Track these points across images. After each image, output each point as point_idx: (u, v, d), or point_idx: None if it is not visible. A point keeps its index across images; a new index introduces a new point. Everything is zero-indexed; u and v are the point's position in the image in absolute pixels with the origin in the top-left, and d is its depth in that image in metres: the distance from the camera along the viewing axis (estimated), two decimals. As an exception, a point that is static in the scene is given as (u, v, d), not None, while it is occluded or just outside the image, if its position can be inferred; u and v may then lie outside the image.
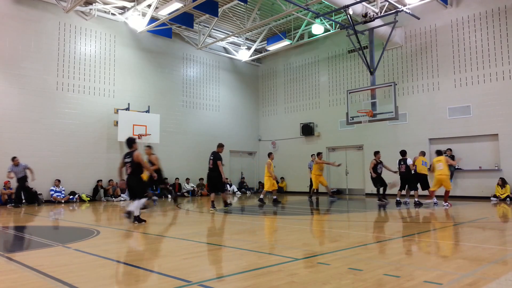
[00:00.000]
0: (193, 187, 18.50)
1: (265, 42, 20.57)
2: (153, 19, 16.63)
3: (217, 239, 5.93)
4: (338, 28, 17.54)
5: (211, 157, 11.04)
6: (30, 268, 4.19)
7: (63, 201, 14.56)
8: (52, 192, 14.56)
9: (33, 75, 14.71)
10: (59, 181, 14.74)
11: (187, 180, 18.41)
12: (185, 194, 18.09)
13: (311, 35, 19.07)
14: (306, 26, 18.71)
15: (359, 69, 18.55)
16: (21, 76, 14.45)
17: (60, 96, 15.35)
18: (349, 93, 14.94)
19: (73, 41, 15.91)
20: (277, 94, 22.29)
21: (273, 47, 20.12)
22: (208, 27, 19.00)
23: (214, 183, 11.00)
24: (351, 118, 14.36)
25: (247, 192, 20.48)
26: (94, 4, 15.98)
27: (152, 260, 4.81)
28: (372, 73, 14.55)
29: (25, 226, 8.58)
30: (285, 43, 19.43)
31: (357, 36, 14.40)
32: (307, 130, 20.21)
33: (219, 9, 16.61)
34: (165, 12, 15.81)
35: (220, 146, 11.35)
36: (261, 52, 21.48)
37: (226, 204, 11.50)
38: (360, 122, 14.36)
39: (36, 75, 14.78)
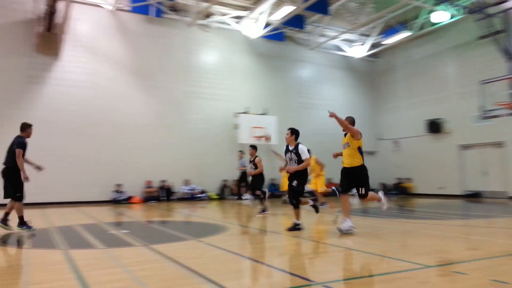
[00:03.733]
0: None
1: (382, 35, 19.60)
2: (266, 25, 17.21)
3: (340, 241, 5.81)
4: (465, 13, 15.79)
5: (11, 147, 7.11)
6: (169, 258, 4.65)
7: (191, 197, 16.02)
8: (184, 190, 16.14)
9: (164, 86, 16.46)
10: (189, 180, 16.28)
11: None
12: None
13: (433, 23, 17.55)
14: (427, 14, 17.29)
15: (492, 57, 16.37)
16: (155, 87, 16.29)
17: (187, 104, 16.88)
18: (482, 84, 13.34)
19: (196, 53, 17.37)
20: (397, 89, 21.01)
21: (390, 40, 19.08)
22: (319, 27, 18.88)
23: (7, 184, 7.09)
24: (486, 112, 12.82)
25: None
26: (213, 16, 17.22)
27: (276, 258, 4.93)
28: (509, 60, 12.77)
29: (165, 220, 9.61)
30: (404, 34, 18.26)
31: (489, 20, 12.78)
32: (434, 127, 18.56)
33: (330, 7, 16.38)
34: (277, 17, 16.25)
35: (26, 127, 7.26)
36: (377, 47, 20.51)
37: (23, 222, 7.09)
38: (497, 116, 12.71)
39: (167, 85, 16.52)
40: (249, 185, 10.94)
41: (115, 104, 15.52)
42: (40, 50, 14.32)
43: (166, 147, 16.12)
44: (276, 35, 18.54)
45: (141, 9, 16.04)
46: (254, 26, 17.56)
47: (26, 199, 13.37)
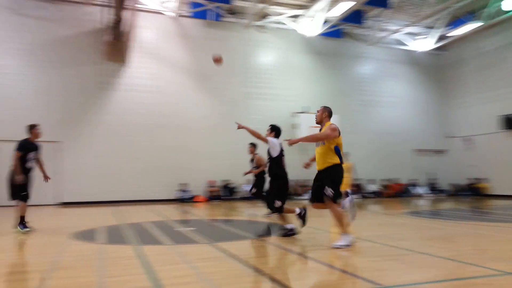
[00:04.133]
0: (378, 188, 18.03)
1: (448, 27, 18.49)
2: (323, 22, 16.98)
3: (408, 244, 5.55)
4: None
5: None
6: (233, 256, 4.73)
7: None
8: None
9: (224, 88, 16.83)
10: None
11: (371, 181, 18.02)
12: (367, 195, 17.69)
13: (505, 11, 16.24)
14: (497, 2, 16.04)
15: None
16: (215, 89, 16.71)
17: (246, 104, 17.12)
18: None
19: (254, 54, 17.57)
20: (466, 83, 19.70)
21: (458, 32, 17.95)
22: (380, 21, 18.23)
23: (10, 185, 7.08)
24: None
25: (438, 194, 18.69)
26: (269, 17, 17.31)
27: (339, 259, 4.82)
28: None
29: (228, 219, 9.82)
30: (473, 25, 17.09)
31: None
32: (510, 123, 17.16)
33: (391, 0, 15.76)
34: (335, 14, 15.96)
35: (30, 128, 7.30)
36: (443, 39, 19.38)
37: (22, 222, 7.07)
38: None
39: (226, 87, 16.87)
40: (254, 185, 10.04)
41: (178, 107, 16.14)
42: (109, 58, 15.28)
43: (226, 147, 16.46)
44: (333, 32, 18.21)
45: (200, 14, 16.56)
46: (311, 24, 17.39)
47: (101, 198, 14.61)
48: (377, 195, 17.74)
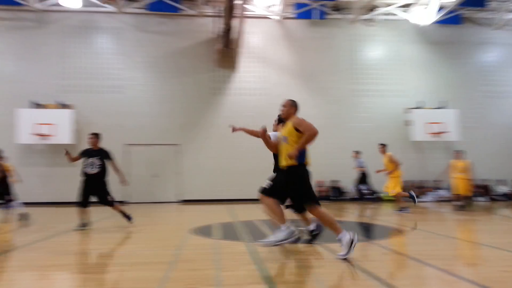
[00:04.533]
0: (510, 189, 16.01)
1: None
2: (438, 9, 15.62)
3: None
4: None
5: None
6: (344, 258, 4.62)
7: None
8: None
9: (330, 86, 16.55)
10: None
11: (500, 181, 16.05)
12: (496, 198, 15.77)
13: None
14: None
15: None
16: (321, 88, 16.53)
17: (354, 102, 16.59)
18: None
19: (361, 49, 16.92)
20: None
21: None
22: (506, 2, 16.07)
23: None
24: None
25: None
26: (377, 9, 16.52)
27: (464, 267, 4.38)
28: None
29: (339, 220, 9.65)
30: None
31: None
32: None
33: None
34: (453, -3, 14.52)
35: (93, 136, 7.77)
36: None
37: (82, 224, 7.42)
38: None
39: (333, 86, 16.57)
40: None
41: (285, 108, 16.39)
42: (220, 65, 16.22)
43: (334, 146, 16.15)
44: (450, 18, 16.61)
45: (305, 15, 16.58)
46: (424, 12, 16.12)
47: (216, 196, 15.58)
48: (508, 197, 15.70)
